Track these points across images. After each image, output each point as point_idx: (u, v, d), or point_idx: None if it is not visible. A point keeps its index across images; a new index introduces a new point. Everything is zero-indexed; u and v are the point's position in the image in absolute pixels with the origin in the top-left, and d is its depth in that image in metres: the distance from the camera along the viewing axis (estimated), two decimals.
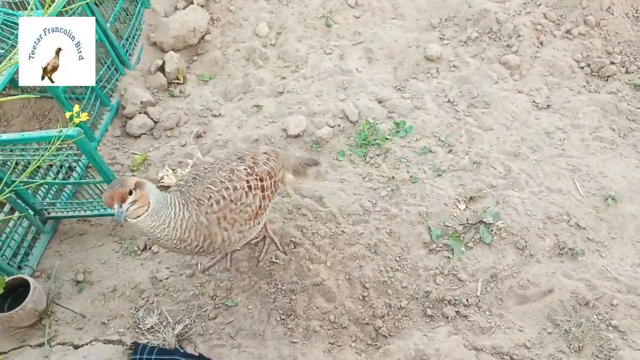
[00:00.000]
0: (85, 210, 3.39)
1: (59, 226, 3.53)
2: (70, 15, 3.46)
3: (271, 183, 2.69)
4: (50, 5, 1.98)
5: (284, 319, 2.97)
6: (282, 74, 4.30)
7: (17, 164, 3.10)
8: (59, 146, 2.48)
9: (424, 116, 3.82)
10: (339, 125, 3.81)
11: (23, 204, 3.26)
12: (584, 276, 2.97)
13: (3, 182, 2.46)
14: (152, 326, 2.95)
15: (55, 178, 3.46)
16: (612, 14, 4.11)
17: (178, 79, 4.32)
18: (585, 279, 2.95)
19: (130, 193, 2.07)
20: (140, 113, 4.05)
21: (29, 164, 2.92)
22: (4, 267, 3.11)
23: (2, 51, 3.18)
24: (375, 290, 3.04)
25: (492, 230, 3.18)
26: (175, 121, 4.03)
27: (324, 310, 2.97)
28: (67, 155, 3.14)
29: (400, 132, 3.75)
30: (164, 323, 2.97)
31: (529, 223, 3.19)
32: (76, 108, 1.90)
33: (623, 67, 4.00)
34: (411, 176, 3.51)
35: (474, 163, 3.53)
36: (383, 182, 3.49)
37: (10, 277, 3.00)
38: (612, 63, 4.00)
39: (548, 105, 3.86)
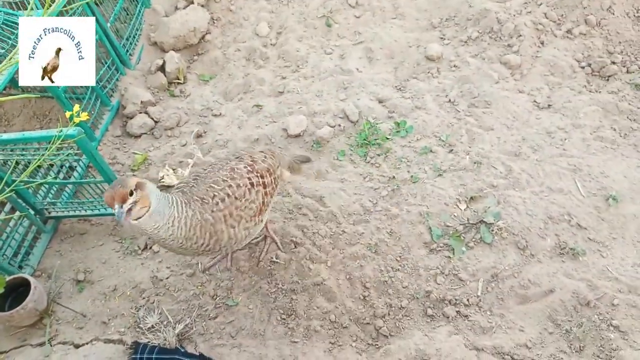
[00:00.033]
0: (85, 210, 3.39)
1: (59, 226, 3.53)
2: (70, 15, 3.46)
3: (271, 180, 2.73)
4: (50, 5, 1.98)
5: (284, 319, 2.97)
6: (282, 73, 4.29)
7: (17, 163, 3.10)
8: (60, 146, 2.48)
9: (424, 116, 3.82)
10: (340, 125, 3.81)
11: (24, 204, 3.26)
12: (585, 276, 2.97)
13: (4, 181, 2.45)
14: (152, 325, 2.95)
15: (55, 178, 3.46)
16: (613, 14, 4.11)
17: (178, 79, 4.32)
18: (587, 279, 2.95)
19: (131, 194, 2.07)
20: (140, 113, 4.05)
21: (29, 163, 2.91)
22: (5, 266, 3.11)
23: (3, 51, 3.18)
24: (375, 290, 3.04)
25: (493, 230, 3.18)
26: (176, 121, 4.03)
27: (324, 310, 2.97)
28: (67, 155, 3.14)
29: (400, 132, 3.74)
30: (165, 322, 2.97)
31: (530, 223, 3.19)
32: (76, 108, 1.90)
33: (624, 66, 3.99)
34: (412, 176, 3.50)
35: (475, 163, 3.53)
36: (384, 182, 3.49)
37: (11, 277, 3.00)
38: (613, 63, 4.00)
39: (549, 105, 3.85)
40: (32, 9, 2.22)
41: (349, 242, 3.21)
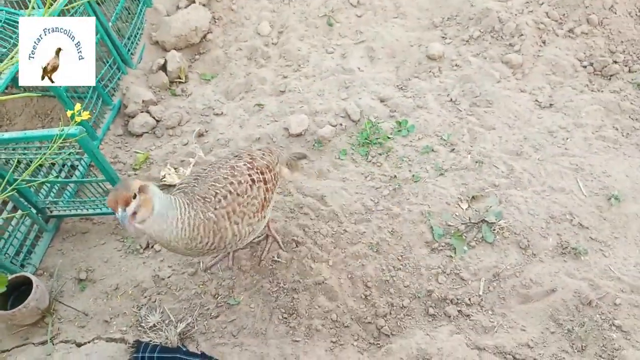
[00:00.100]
0: (87, 209, 3.39)
1: (61, 225, 3.54)
2: (72, 15, 3.47)
3: (271, 176, 2.75)
4: (51, 5, 1.98)
5: (286, 318, 2.97)
6: (283, 73, 4.29)
7: (19, 162, 3.10)
8: (61, 145, 2.48)
9: (426, 115, 3.81)
10: (341, 124, 3.80)
11: (26, 203, 3.26)
12: (587, 276, 2.96)
13: (6, 180, 2.46)
14: (154, 324, 2.95)
15: (57, 177, 3.47)
16: (615, 13, 4.10)
17: (180, 78, 4.32)
18: (588, 279, 2.94)
19: (135, 197, 2.07)
20: (142, 112, 4.05)
21: (31, 162, 2.91)
22: (7, 265, 3.12)
23: (5, 50, 3.18)
24: (377, 289, 3.03)
25: (494, 230, 3.17)
26: (177, 120, 4.03)
27: (326, 309, 2.97)
28: (69, 154, 3.14)
29: (402, 131, 3.74)
30: (166, 321, 2.97)
31: (531, 222, 3.19)
32: (78, 107, 1.90)
33: (626, 66, 3.98)
34: (413, 175, 3.50)
35: (477, 162, 3.52)
36: (385, 181, 3.49)
37: (13, 275, 3.01)
38: (615, 62, 3.99)
39: (551, 105, 3.85)
40: (33, 8, 2.22)
41: (350, 242, 3.21)
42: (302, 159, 3.42)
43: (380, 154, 3.64)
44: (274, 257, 3.17)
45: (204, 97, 4.19)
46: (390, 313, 2.96)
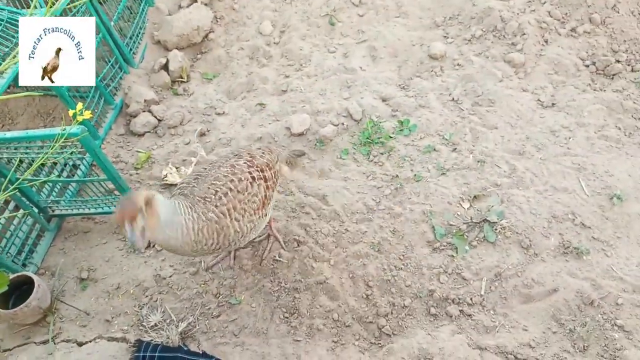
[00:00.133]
0: (89, 208, 3.40)
1: (63, 224, 3.54)
2: (73, 14, 3.47)
3: (272, 174, 2.77)
4: (53, 4, 1.98)
5: (287, 317, 2.97)
6: (285, 72, 4.29)
7: (21, 161, 3.10)
8: (63, 144, 2.48)
9: (428, 115, 3.81)
10: (343, 124, 3.80)
11: (27, 202, 3.27)
12: (589, 275, 2.95)
13: (7, 179, 2.46)
14: (155, 324, 2.95)
15: (59, 176, 3.47)
16: (618, 12, 4.08)
17: (182, 78, 4.32)
18: (591, 279, 2.93)
19: (141, 211, 2.06)
20: (144, 111, 4.05)
21: (33, 161, 2.92)
22: (9, 264, 3.13)
23: (7, 49, 3.19)
24: (378, 289, 3.03)
25: (496, 229, 3.17)
26: (179, 119, 4.04)
27: (327, 309, 2.97)
28: (71, 153, 3.14)
29: (404, 131, 3.73)
30: (168, 321, 2.98)
31: (533, 222, 3.18)
32: (80, 106, 1.90)
33: (628, 65, 3.97)
34: (415, 175, 3.50)
35: (479, 162, 3.51)
36: (387, 181, 3.48)
37: (15, 275, 3.01)
38: (618, 61, 3.98)
39: (553, 104, 3.84)
40: (35, 7, 2.22)
41: (352, 241, 3.20)
42: (301, 156, 3.43)
43: (382, 154, 3.64)
44: (275, 256, 3.17)
45: (205, 97, 4.19)
46: (392, 313, 2.96)
